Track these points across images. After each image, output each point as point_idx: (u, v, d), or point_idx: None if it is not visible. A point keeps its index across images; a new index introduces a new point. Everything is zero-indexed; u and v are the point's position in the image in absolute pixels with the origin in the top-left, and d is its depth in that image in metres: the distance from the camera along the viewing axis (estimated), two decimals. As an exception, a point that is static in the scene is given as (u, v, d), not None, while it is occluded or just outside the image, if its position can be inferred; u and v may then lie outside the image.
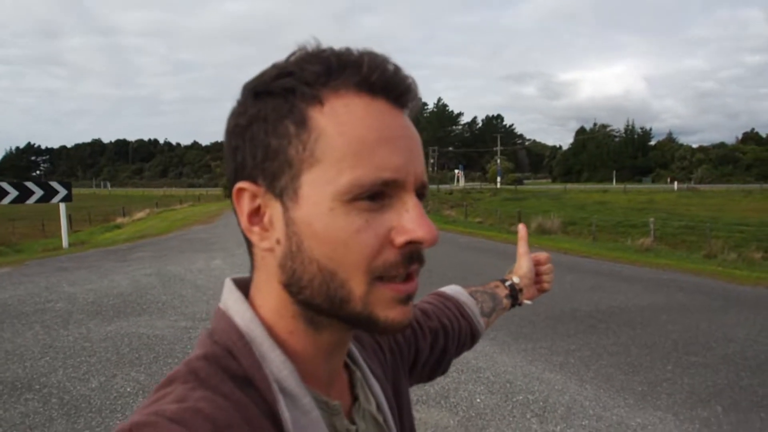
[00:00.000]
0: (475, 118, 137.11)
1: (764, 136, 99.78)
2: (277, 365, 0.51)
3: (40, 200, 13.71)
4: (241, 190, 0.52)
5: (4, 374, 4.65)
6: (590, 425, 3.73)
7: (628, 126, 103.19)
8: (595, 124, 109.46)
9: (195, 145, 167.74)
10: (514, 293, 1.05)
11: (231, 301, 0.55)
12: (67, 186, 14.36)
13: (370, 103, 0.50)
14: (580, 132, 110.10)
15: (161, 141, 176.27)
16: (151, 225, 22.36)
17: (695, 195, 43.20)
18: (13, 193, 13.18)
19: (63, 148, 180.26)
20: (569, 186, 69.46)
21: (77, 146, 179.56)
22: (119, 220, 26.11)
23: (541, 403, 4.10)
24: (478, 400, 4.16)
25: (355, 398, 0.62)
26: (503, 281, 1.06)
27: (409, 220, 0.50)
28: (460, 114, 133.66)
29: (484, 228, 21.04)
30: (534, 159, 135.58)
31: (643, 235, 15.31)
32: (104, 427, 3.68)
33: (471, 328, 0.94)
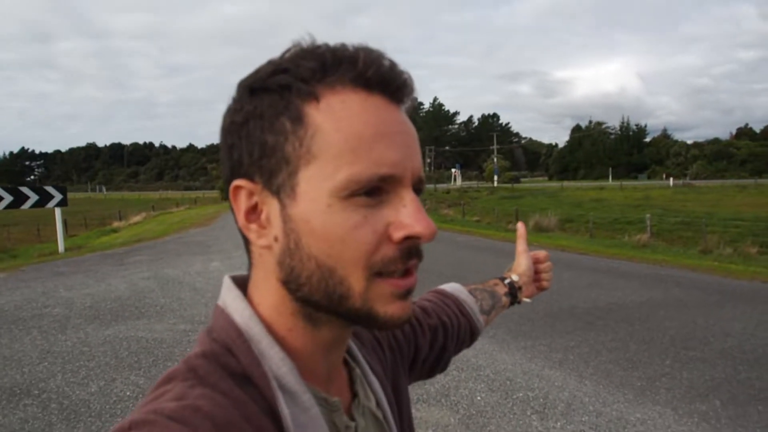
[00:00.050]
0: (471, 117, 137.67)
1: (758, 131, 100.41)
2: (276, 362, 0.51)
3: (35, 205, 13.64)
4: (237, 187, 0.51)
5: (2, 380, 4.63)
6: (590, 421, 3.74)
7: (623, 123, 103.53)
8: (590, 122, 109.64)
9: (191, 147, 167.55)
10: (513, 291, 1.04)
11: (229, 298, 0.55)
12: (63, 190, 14.29)
13: (366, 98, 0.49)
14: (576, 130, 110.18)
15: (156, 144, 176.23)
16: (148, 228, 22.29)
17: (691, 191, 43.34)
18: (8, 198, 13.11)
19: (57, 152, 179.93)
20: (566, 184, 69.61)
21: (72, 150, 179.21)
22: (115, 224, 26.01)
23: (541, 400, 4.10)
24: (479, 398, 4.17)
25: (354, 395, 0.62)
26: (502, 279, 1.06)
27: (406, 215, 0.49)
28: (456, 113, 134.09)
29: (482, 226, 21.05)
30: (530, 157, 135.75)
31: (640, 232, 15.33)
32: (104, 432, 3.68)
33: (470, 326, 0.94)
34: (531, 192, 49.91)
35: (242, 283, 0.57)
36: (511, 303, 1.05)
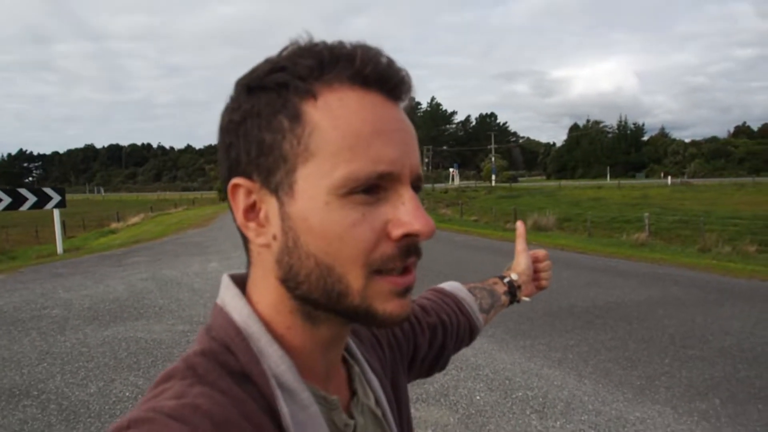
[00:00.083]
0: (468, 116, 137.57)
1: (756, 129, 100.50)
2: (275, 360, 0.51)
3: (33, 207, 13.62)
4: (236, 186, 0.51)
5: (1, 381, 4.62)
6: (589, 420, 3.74)
7: (620, 122, 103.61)
8: (588, 121, 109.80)
9: (189, 148, 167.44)
10: (513, 290, 1.04)
11: (228, 297, 0.55)
12: (61, 192, 14.27)
13: (363, 96, 0.49)
14: (574, 129, 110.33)
15: (154, 145, 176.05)
16: (146, 229, 22.28)
17: (688, 189, 43.38)
18: (7, 200, 13.09)
19: (55, 154, 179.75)
20: (564, 183, 69.69)
21: (70, 152, 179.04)
22: (114, 225, 26.01)
23: (540, 399, 4.11)
24: (478, 398, 4.17)
25: (353, 393, 0.62)
26: (501, 278, 1.06)
27: (405, 212, 0.49)
28: (453, 113, 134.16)
29: (480, 226, 21.06)
30: (528, 156, 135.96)
31: (638, 230, 15.34)
32: (103, 433, 3.67)
33: (469, 325, 0.94)
34: (529, 191, 49.94)
35: (241, 282, 0.57)
36: (511, 302, 1.05)
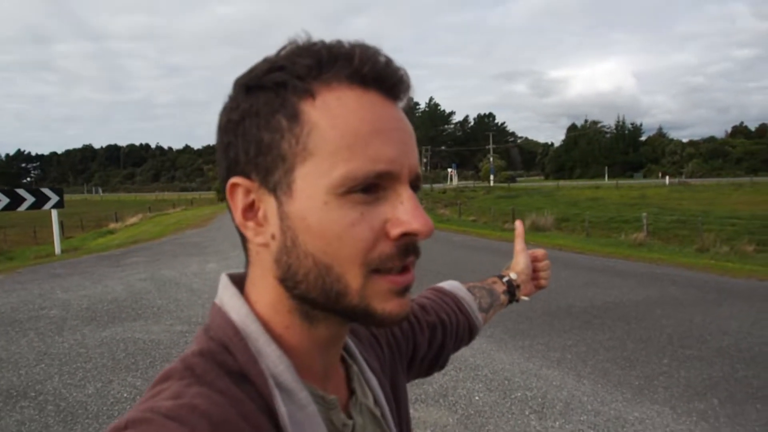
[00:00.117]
0: (467, 116, 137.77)
1: (753, 129, 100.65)
2: (273, 360, 0.51)
3: (31, 207, 13.60)
4: (234, 185, 0.51)
5: (-2, 382, 4.62)
6: (589, 420, 3.74)
7: (618, 122, 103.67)
8: (586, 121, 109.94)
9: (187, 148, 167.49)
10: (512, 289, 1.05)
11: (226, 296, 0.55)
12: (59, 192, 14.26)
13: (362, 95, 0.49)
14: (572, 129, 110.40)
15: (153, 145, 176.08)
16: (144, 230, 22.27)
17: (686, 189, 43.41)
18: (4, 200, 13.07)
19: (54, 154, 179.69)
20: (562, 183, 69.73)
21: (68, 152, 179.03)
22: (112, 225, 26.02)
23: (539, 400, 4.11)
24: (477, 398, 4.17)
25: (352, 392, 0.61)
26: (501, 277, 1.06)
27: (403, 211, 0.49)
28: (452, 113, 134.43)
29: (478, 226, 21.07)
30: (526, 156, 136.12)
31: (636, 230, 15.35)
32: (101, 433, 3.67)
33: (469, 324, 0.94)
34: (527, 191, 49.97)
35: (239, 281, 0.57)
36: (510, 301, 1.05)
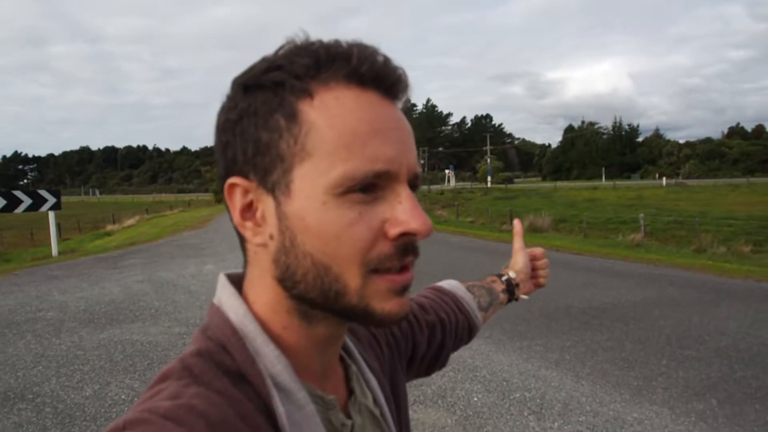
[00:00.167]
0: (464, 118, 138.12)
1: (750, 130, 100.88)
2: (271, 360, 0.51)
3: (28, 209, 13.57)
4: (233, 185, 0.51)
5: (-5, 385, 4.60)
6: (587, 421, 3.74)
7: (615, 123, 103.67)
8: (583, 122, 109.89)
9: (184, 150, 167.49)
10: (511, 288, 1.05)
11: (225, 296, 0.55)
12: (56, 194, 14.23)
13: (360, 94, 0.49)
14: (569, 130, 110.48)
15: (150, 147, 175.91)
16: (142, 231, 22.23)
17: (683, 190, 43.47)
18: (1, 202, 13.03)
19: (51, 156, 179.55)
20: (559, 184, 69.77)
21: (65, 154, 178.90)
22: (109, 227, 25.94)
23: (538, 401, 4.11)
24: (475, 399, 4.17)
25: (351, 392, 0.61)
26: (500, 276, 1.06)
27: (402, 211, 0.49)
28: (449, 114, 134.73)
29: (476, 227, 21.09)
30: (523, 158, 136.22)
31: (634, 231, 15.37)
32: (98, 436, 3.66)
33: (468, 323, 0.94)
34: (524, 192, 50.00)
35: (238, 281, 0.56)
36: (509, 300, 1.05)
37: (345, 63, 0.49)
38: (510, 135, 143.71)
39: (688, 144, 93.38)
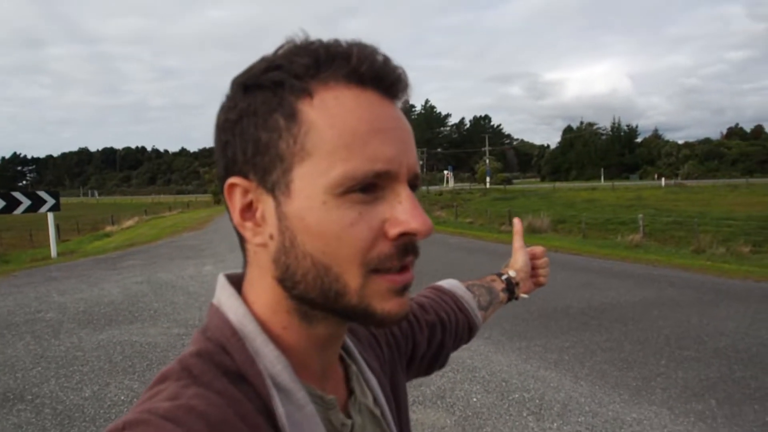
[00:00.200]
0: (462, 119, 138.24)
1: (749, 131, 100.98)
2: (270, 360, 0.51)
3: (27, 210, 13.55)
4: (232, 185, 0.51)
5: (-6, 386, 4.60)
6: (586, 421, 3.74)
7: (614, 124, 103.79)
8: (581, 123, 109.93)
9: (183, 151, 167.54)
10: (511, 287, 1.05)
11: (224, 297, 0.55)
12: (55, 195, 14.20)
13: (360, 94, 0.49)
14: (567, 131, 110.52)
15: (149, 148, 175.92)
16: (141, 233, 22.22)
17: (682, 191, 43.48)
18: (0, 203, 13.03)
19: (49, 157, 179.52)
20: (558, 184, 69.76)
21: (64, 155, 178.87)
22: (108, 228, 25.93)
23: (537, 401, 4.11)
24: (475, 400, 4.17)
25: (351, 392, 0.61)
26: (499, 275, 1.06)
27: (402, 211, 0.49)
28: (447, 115, 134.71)
29: (475, 228, 21.08)
30: (522, 158, 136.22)
31: (633, 232, 15.38)
32: (97, 437, 3.65)
33: (468, 322, 0.94)
34: (523, 193, 49.99)
35: (237, 282, 0.56)
36: (509, 299, 1.05)
37: (345, 62, 0.49)
38: (509, 136, 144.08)
39: (687, 144, 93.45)
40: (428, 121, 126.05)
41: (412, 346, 0.81)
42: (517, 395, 4.22)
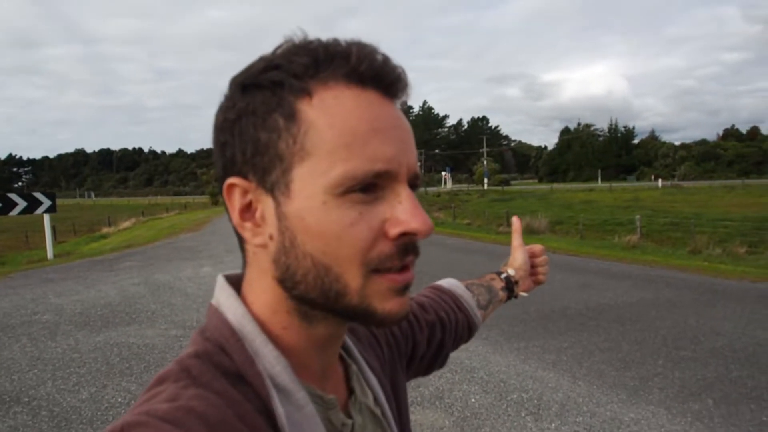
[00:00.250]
0: (460, 120, 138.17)
1: (744, 132, 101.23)
2: (270, 361, 0.50)
3: (23, 212, 13.52)
4: (231, 185, 0.51)
5: (-10, 388, 4.58)
6: (584, 422, 3.75)
7: (611, 125, 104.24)
8: (579, 124, 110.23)
9: (180, 152, 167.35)
10: (510, 285, 1.05)
11: (223, 297, 0.54)
12: (51, 197, 14.17)
13: (359, 94, 0.49)
14: (565, 132, 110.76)
15: (146, 149, 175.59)
16: (138, 234, 22.17)
17: (679, 192, 43.57)
18: (-3, 205, 13.02)
19: (45, 158, 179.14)
20: (555, 186, 69.76)
21: (60, 156, 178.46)
22: (105, 230, 25.85)
23: (535, 401, 4.11)
24: (473, 400, 4.17)
25: (351, 392, 0.61)
26: (499, 274, 1.06)
27: (402, 211, 0.49)
28: (445, 116, 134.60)
29: (473, 229, 21.09)
30: (520, 160, 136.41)
31: (630, 233, 15.41)
32: (94, 439, 3.64)
33: (468, 321, 0.94)
34: (521, 194, 50.06)
35: (236, 282, 0.56)
36: (508, 297, 1.05)
37: (344, 62, 0.49)
38: (506, 137, 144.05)
39: (683, 146, 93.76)
40: (426, 123, 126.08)
41: (412, 346, 0.81)
42: (515, 396, 4.23)
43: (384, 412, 0.63)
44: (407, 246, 0.49)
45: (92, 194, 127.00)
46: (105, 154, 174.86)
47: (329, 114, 0.48)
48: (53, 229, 15.38)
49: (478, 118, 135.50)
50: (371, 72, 0.49)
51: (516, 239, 1.11)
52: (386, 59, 0.50)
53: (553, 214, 24.99)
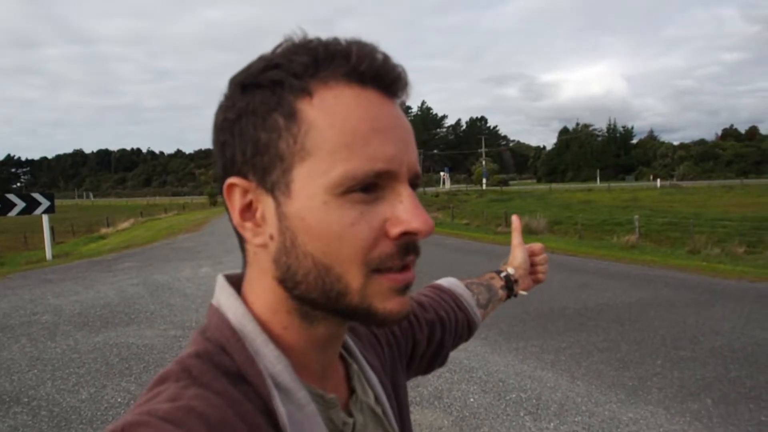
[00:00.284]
0: (459, 120, 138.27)
1: (743, 132, 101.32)
2: (270, 360, 0.50)
3: (22, 212, 13.50)
4: (231, 185, 0.51)
5: (-11, 389, 4.57)
6: (583, 421, 3.75)
7: (610, 125, 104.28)
8: (577, 124, 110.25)
9: (179, 153, 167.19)
10: (510, 284, 1.05)
11: (223, 297, 0.54)
12: (50, 197, 14.15)
13: (360, 93, 0.49)
14: (563, 132, 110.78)
15: (144, 150, 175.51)
16: (136, 235, 22.14)
17: (678, 192, 43.59)
18: (-5, 205, 13.00)
19: (44, 159, 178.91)
20: (554, 186, 69.81)
21: (58, 157, 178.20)
22: (103, 230, 25.80)
23: (533, 401, 4.11)
24: (472, 400, 4.17)
25: (352, 391, 0.61)
26: (498, 272, 1.06)
27: (403, 210, 0.49)
28: (444, 117, 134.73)
29: (471, 229, 21.09)
30: (518, 160, 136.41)
31: (628, 233, 15.42)
32: (93, 439, 3.64)
33: (468, 320, 0.94)
34: (520, 194, 50.07)
35: (236, 282, 0.56)
36: (508, 296, 1.05)
37: (344, 61, 0.48)
38: (505, 137, 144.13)
39: (682, 146, 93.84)
40: (425, 123, 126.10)
41: (412, 345, 0.81)
42: (514, 395, 4.23)
43: (385, 411, 0.63)
44: (408, 245, 0.49)
45: (91, 195, 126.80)
46: (103, 155, 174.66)
47: (329, 113, 0.47)
48: (52, 229, 15.35)
49: (477, 118, 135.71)
50: (372, 71, 0.49)
51: (515, 238, 1.11)
52: (386, 58, 0.50)
53: (552, 214, 25.01)
